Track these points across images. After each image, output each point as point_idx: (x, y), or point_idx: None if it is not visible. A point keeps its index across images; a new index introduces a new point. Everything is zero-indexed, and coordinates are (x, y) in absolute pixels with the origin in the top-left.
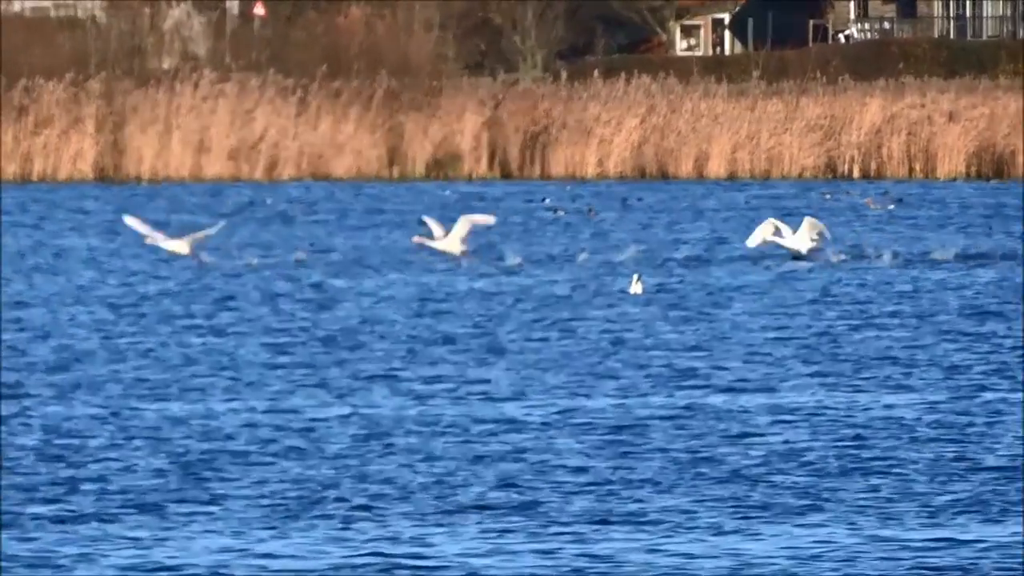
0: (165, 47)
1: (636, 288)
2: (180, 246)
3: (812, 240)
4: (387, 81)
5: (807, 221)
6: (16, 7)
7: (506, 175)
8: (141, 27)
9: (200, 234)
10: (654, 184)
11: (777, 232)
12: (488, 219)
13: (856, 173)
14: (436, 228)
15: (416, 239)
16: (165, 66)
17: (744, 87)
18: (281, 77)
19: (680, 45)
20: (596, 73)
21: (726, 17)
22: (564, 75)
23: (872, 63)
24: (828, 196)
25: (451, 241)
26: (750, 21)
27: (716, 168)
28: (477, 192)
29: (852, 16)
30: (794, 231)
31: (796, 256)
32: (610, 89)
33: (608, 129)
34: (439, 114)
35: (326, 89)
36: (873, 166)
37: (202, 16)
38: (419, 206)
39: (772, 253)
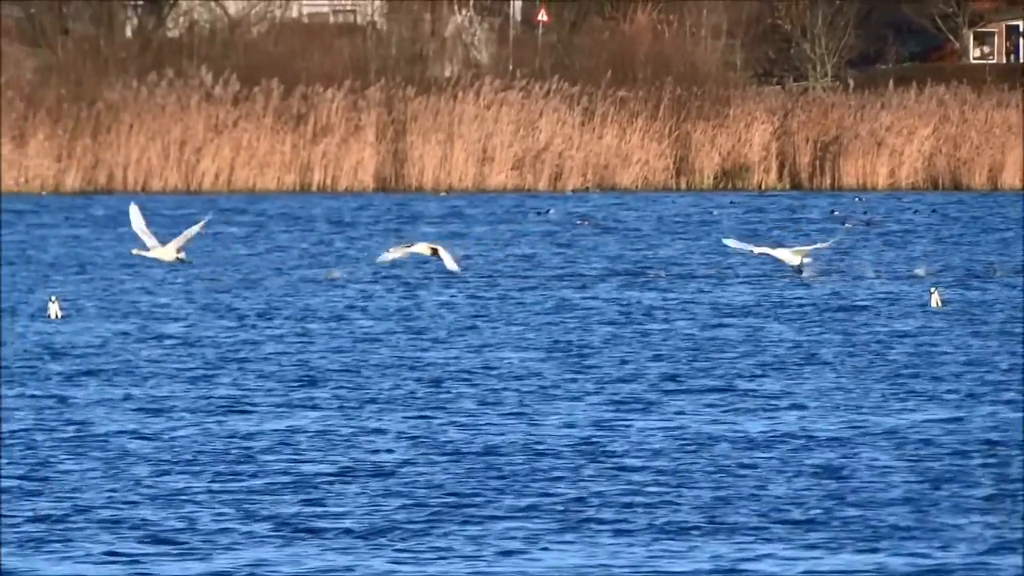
0: (447, 54)
1: (935, 301)
2: (166, 253)
3: (804, 257)
4: (674, 89)
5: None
6: (294, 12)
7: (796, 186)
8: (422, 33)
9: (185, 236)
10: (946, 195)
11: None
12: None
13: None
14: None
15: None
16: (447, 73)
17: None
18: (566, 85)
19: (973, 53)
20: (891, 83)
21: (1021, 24)
22: (852, 84)
23: None
24: None
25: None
26: None
27: (1010, 179)
28: (770, 203)
29: None
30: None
31: (796, 270)
32: (901, 98)
33: (899, 139)
34: (727, 123)
35: (611, 97)
36: None
37: (484, 22)
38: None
39: None
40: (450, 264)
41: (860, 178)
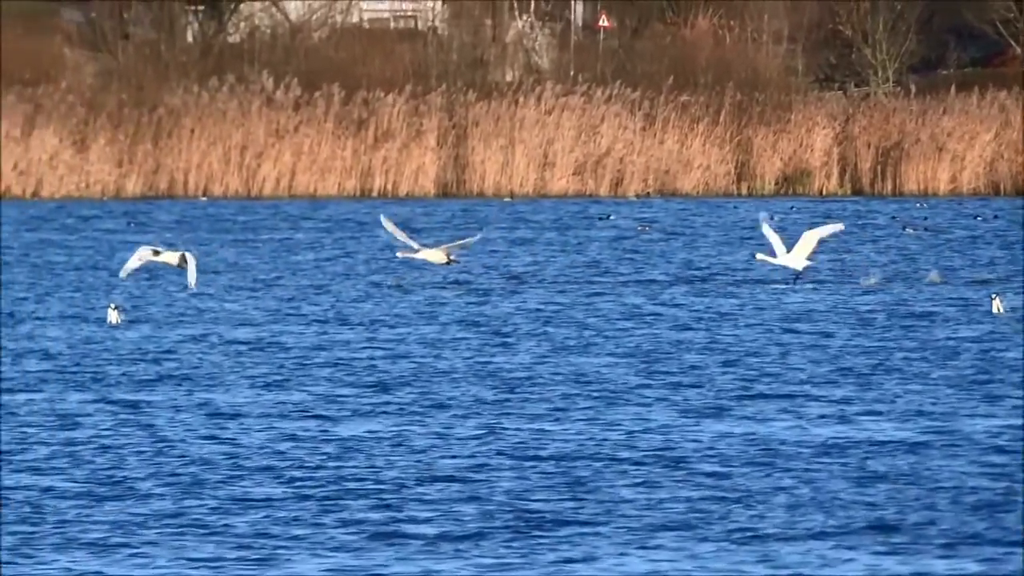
0: (508, 59)
1: (996, 307)
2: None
3: (808, 260)
4: (735, 94)
5: (804, 236)
6: (354, 18)
7: (857, 191)
8: (483, 38)
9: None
10: (1009, 200)
11: (771, 252)
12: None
13: None
14: (406, 239)
15: (400, 254)
16: (508, 79)
17: None
18: (627, 90)
19: None
20: (952, 88)
21: None
22: (913, 89)
23: None
24: None
25: (436, 253)
26: None
27: None
28: (831, 208)
29: None
30: (789, 248)
31: (796, 275)
32: (963, 103)
33: (961, 144)
34: (788, 129)
35: (673, 102)
36: None
37: (546, 27)
38: None
39: None
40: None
41: (922, 183)
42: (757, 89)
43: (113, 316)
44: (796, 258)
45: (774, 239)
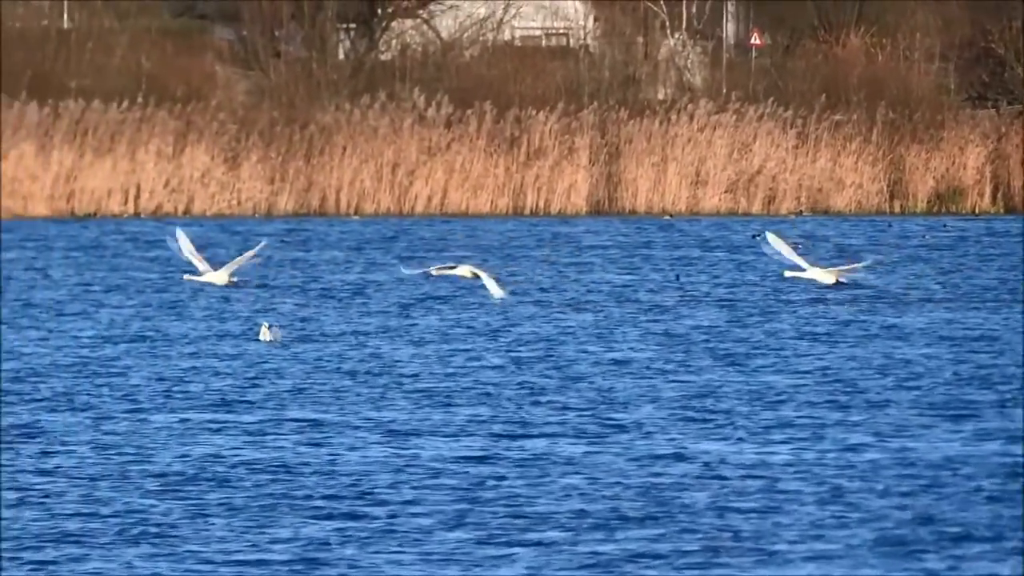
0: (660, 77)
1: None
2: (218, 277)
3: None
4: (887, 112)
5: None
6: (506, 35)
7: (1010, 210)
8: (635, 56)
9: (240, 259)
10: None
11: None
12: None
13: None
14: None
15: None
16: (660, 96)
17: None
18: (780, 108)
19: None
20: None
21: None
22: None
23: None
24: None
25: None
26: None
27: None
28: (983, 227)
29: None
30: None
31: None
32: None
33: None
34: (941, 147)
35: (825, 120)
36: None
37: (697, 45)
38: None
39: None
40: (494, 290)
41: None
42: (909, 107)
43: (266, 334)
44: (824, 272)
45: (786, 250)
